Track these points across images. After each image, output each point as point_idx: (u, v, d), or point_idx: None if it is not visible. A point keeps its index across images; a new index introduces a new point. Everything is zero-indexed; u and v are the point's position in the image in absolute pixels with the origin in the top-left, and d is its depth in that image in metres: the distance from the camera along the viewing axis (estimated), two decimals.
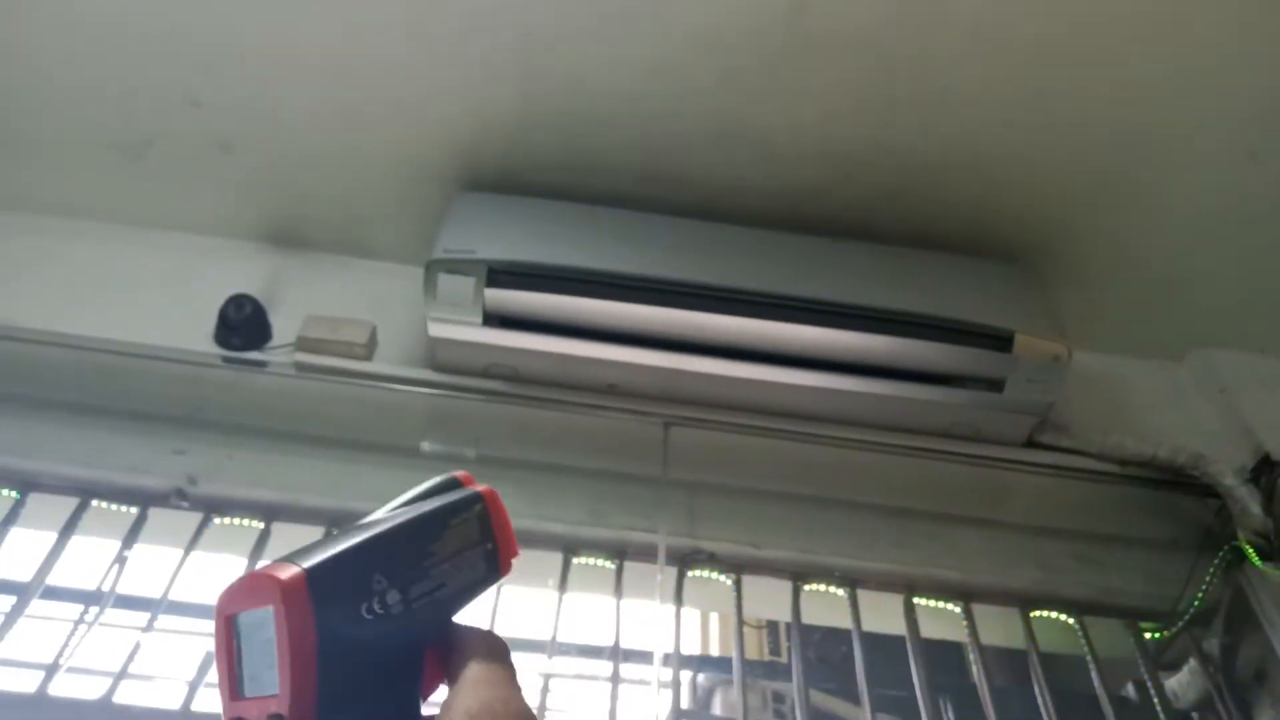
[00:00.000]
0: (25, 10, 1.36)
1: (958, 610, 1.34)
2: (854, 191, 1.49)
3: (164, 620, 1.20)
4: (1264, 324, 1.63)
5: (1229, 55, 1.34)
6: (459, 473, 0.58)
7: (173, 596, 1.22)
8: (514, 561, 0.58)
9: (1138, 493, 1.45)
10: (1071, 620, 1.35)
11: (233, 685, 0.49)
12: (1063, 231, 1.53)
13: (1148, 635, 1.37)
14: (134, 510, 1.29)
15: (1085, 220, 1.52)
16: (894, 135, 1.43)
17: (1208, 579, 1.35)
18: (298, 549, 0.51)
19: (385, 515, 0.54)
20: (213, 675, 1.12)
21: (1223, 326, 1.64)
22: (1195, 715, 1.38)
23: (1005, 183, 1.48)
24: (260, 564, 0.53)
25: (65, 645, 1.14)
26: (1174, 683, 1.38)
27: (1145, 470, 1.44)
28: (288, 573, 0.48)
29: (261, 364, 1.41)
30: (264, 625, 0.48)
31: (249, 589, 0.49)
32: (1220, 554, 1.35)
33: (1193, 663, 1.36)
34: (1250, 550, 1.30)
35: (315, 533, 1.30)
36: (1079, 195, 1.49)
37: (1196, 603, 1.35)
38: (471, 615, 0.56)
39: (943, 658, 1.44)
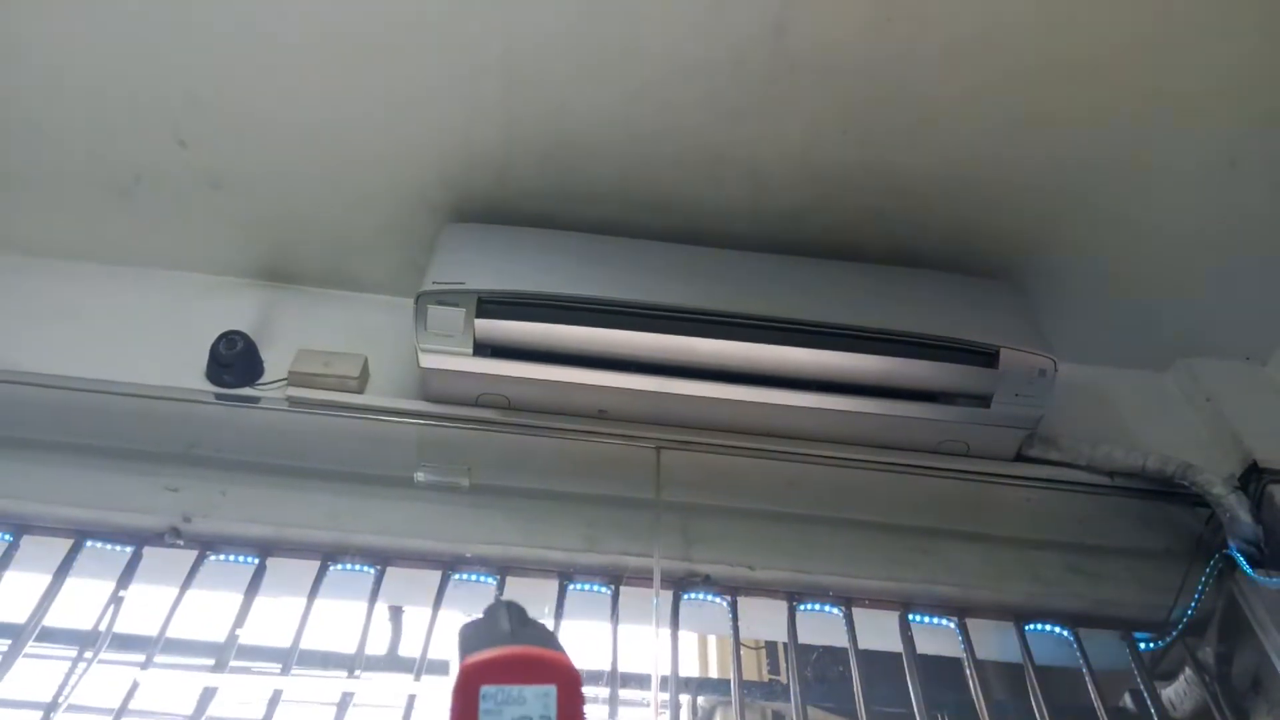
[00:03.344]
0: (11, 51, 1.37)
1: (953, 625, 1.35)
2: (838, 212, 1.51)
3: (161, 659, 1.20)
4: (1248, 331, 1.65)
5: (1207, 72, 1.36)
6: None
7: (169, 635, 1.22)
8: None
9: (1128, 503, 1.46)
10: (1066, 632, 1.35)
11: None
12: (1045, 247, 1.55)
13: (1142, 645, 1.37)
14: (129, 550, 1.28)
15: (1067, 235, 1.54)
16: (876, 156, 1.45)
17: (1200, 588, 1.36)
18: (483, 626, 0.65)
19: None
20: (214, 710, 1.14)
21: (1207, 335, 1.65)
22: None
23: (987, 201, 1.49)
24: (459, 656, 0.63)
25: (63, 685, 1.14)
26: (1170, 692, 1.38)
27: (1135, 481, 1.45)
28: (566, 659, 0.62)
29: (254, 400, 1.41)
30: (525, 698, 0.60)
31: (518, 665, 0.60)
32: (1211, 562, 1.36)
33: (1188, 672, 1.36)
34: (1241, 558, 1.31)
35: (311, 567, 1.30)
36: (1060, 212, 1.51)
37: (1190, 612, 1.35)
38: None
39: (939, 673, 1.44)
